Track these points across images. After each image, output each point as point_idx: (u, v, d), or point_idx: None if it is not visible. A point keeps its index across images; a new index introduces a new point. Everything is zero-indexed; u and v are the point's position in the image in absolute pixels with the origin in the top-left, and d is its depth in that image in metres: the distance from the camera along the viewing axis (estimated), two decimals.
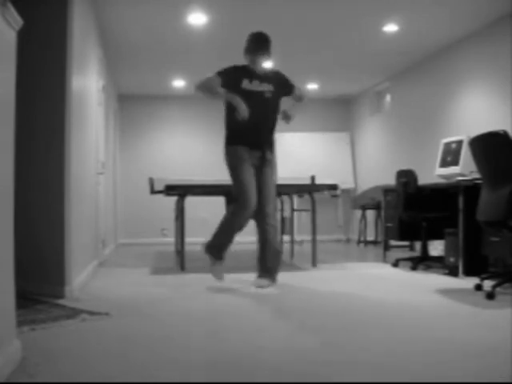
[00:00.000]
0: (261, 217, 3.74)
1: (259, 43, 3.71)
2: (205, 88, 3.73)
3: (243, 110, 3.57)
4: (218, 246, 3.80)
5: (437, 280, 4.02)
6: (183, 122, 8.73)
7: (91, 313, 2.75)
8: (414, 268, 4.65)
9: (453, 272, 4.20)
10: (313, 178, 5.35)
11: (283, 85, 3.88)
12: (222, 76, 3.69)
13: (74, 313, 2.74)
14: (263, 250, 3.75)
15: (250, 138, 3.74)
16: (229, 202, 5.91)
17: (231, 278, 4.07)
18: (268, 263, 3.73)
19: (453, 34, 5.59)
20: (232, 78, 3.71)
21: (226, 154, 3.79)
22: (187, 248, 4.91)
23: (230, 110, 3.73)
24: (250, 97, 3.69)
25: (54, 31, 3.36)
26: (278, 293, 3.45)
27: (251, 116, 3.62)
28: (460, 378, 1.72)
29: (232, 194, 3.82)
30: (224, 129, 3.86)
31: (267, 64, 6.18)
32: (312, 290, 3.61)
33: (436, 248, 5.53)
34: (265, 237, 3.73)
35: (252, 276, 3.88)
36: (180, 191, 4.72)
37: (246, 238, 4.83)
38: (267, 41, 3.72)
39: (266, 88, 3.77)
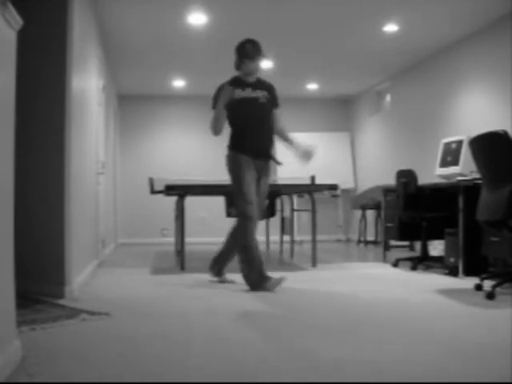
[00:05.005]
0: None
1: (246, 52, 3.66)
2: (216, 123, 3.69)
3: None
4: (220, 264, 3.91)
5: (437, 280, 4.02)
6: (183, 122, 8.73)
7: (91, 313, 2.74)
8: (413, 268, 4.65)
9: (453, 272, 4.20)
10: (313, 178, 5.35)
11: (274, 97, 3.82)
12: (219, 97, 3.66)
13: (73, 313, 2.74)
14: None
15: (253, 147, 3.65)
16: (229, 205, 5.91)
17: (231, 278, 4.07)
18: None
19: (453, 33, 5.59)
20: (224, 93, 3.65)
21: (230, 160, 3.68)
22: (187, 248, 4.91)
23: (232, 116, 3.69)
24: (245, 103, 3.66)
25: (54, 31, 3.35)
26: (278, 293, 3.45)
27: (250, 122, 3.64)
28: (460, 378, 1.72)
29: (233, 201, 3.84)
30: (228, 133, 3.76)
31: (265, 64, 6.19)
32: (312, 289, 3.61)
33: (436, 248, 5.53)
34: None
35: None
36: (180, 191, 4.72)
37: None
38: (248, 48, 3.66)
39: (261, 94, 3.72)
